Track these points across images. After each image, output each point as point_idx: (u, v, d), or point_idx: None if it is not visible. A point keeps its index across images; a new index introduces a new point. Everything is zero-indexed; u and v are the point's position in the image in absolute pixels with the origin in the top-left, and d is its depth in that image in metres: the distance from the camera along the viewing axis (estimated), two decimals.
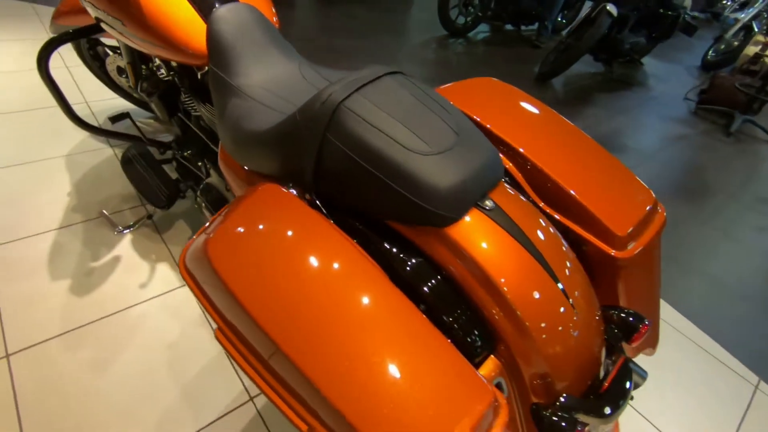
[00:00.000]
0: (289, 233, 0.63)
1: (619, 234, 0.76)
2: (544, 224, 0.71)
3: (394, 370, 0.52)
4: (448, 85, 0.99)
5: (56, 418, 1.02)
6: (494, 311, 0.64)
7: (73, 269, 1.34)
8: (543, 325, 0.64)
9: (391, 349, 0.54)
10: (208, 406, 1.10)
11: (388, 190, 0.65)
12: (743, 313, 1.68)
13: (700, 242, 2.02)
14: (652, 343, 1.00)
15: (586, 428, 0.70)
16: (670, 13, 3.51)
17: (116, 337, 1.20)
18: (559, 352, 0.65)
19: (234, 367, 1.18)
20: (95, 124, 1.73)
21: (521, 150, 0.84)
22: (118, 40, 1.24)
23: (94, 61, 1.76)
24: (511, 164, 0.86)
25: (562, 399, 0.67)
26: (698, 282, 1.79)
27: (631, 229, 0.78)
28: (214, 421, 1.08)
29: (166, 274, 1.38)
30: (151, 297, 1.31)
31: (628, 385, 0.71)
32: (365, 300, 0.57)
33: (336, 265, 0.60)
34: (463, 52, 3.64)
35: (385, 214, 0.69)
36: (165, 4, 0.99)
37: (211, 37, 0.99)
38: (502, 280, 0.63)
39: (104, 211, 1.38)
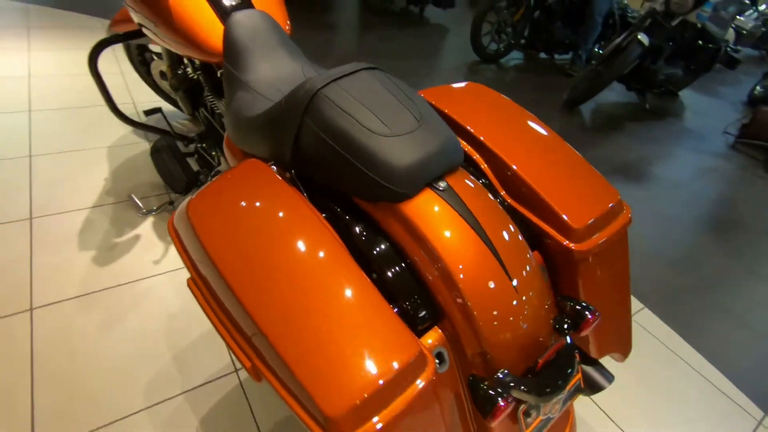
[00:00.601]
0: (259, 200, 0.71)
1: (575, 226, 0.79)
2: (496, 211, 0.75)
3: (331, 321, 0.58)
4: (435, 87, 1.06)
5: (63, 367, 1.14)
6: (439, 285, 0.69)
7: (98, 242, 1.50)
8: (483, 303, 0.67)
9: (331, 303, 0.60)
10: (196, 372, 1.19)
11: (351, 167, 0.72)
12: (762, 351, 1.59)
13: (723, 276, 1.94)
14: (622, 349, 0.99)
15: (522, 407, 0.72)
16: (710, 46, 3.45)
17: (125, 303, 1.32)
18: (498, 330, 0.68)
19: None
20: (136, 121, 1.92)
21: (492, 147, 0.89)
22: (159, 45, 1.42)
23: (142, 66, 1.98)
24: (482, 159, 0.91)
25: (500, 374, 0.70)
26: (717, 317, 1.72)
27: (588, 222, 0.80)
28: (200, 385, 1.16)
29: (177, 255, 1.50)
30: (160, 273, 1.43)
31: (569, 370, 0.72)
32: (316, 260, 0.64)
33: (295, 231, 0.67)
34: (493, 77, 3.72)
35: (350, 190, 0.76)
36: (190, 9, 1.14)
37: (228, 38, 1.12)
38: (448, 256, 0.67)
39: (132, 195, 1.53)
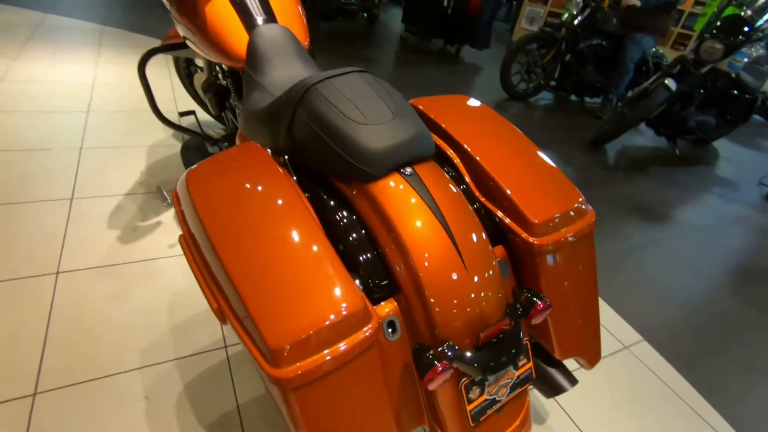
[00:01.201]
0: (248, 173, 0.82)
1: (532, 220, 0.84)
2: (457, 199, 0.82)
3: (288, 270, 0.67)
4: (427, 96, 1.16)
5: (74, 323, 1.27)
6: (396, 259, 0.76)
7: (124, 224, 1.66)
8: (434, 280, 0.73)
9: (291, 256, 0.69)
10: (189, 343, 1.28)
11: (330, 150, 0.82)
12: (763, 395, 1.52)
13: (735, 326, 1.87)
14: (588, 355, 1.00)
15: (464, 380, 0.76)
16: (746, 96, 3.40)
17: (137, 277, 1.46)
18: (446, 306, 0.73)
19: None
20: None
21: (468, 149, 0.96)
22: (198, 56, 1.62)
23: (187, 78, 2.22)
24: (459, 160, 0.98)
25: (444, 346, 0.75)
26: (730, 368, 1.66)
27: (548, 218, 0.85)
28: (190, 355, 1.25)
29: None
30: (173, 255, 1.57)
31: (513, 350, 0.75)
32: (286, 224, 0.72)
33: (274, 200, 0.76)
34: (519, 114, 3.80)
35: (329, 172, 0.86)
36: (222, 20, 1.32)
37: (251, 46, 1.29)
38: (405, 233, 0.75)
39: (160, 187, 1.70)
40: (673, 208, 2.76)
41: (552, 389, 0.99)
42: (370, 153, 0.78)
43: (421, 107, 1.07)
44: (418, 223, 0.76)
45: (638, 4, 3.50)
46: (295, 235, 0.71)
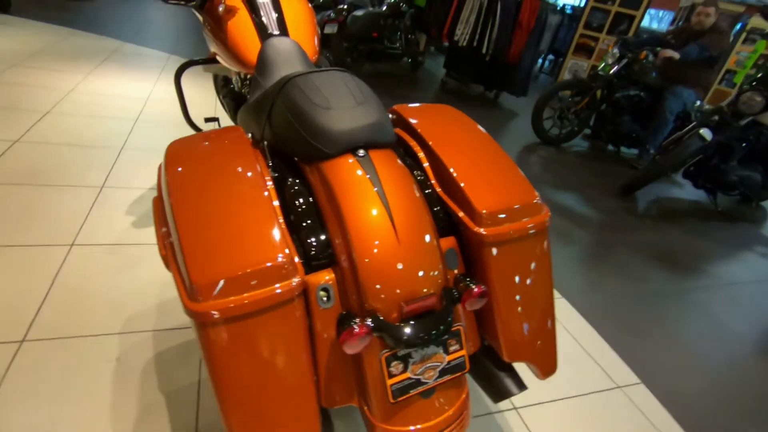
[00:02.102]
0: (221, 149, 0.91)
1: (479, 210, 0.85)
2: (405, 185, 0.84)
3: (228, 223, 0.73)
4: (409, 105, 1.23)
5: (73, 290, 1.39)
6: (336, 232, 0.80)
7: (142, 212, 1.82)
8: (366, 252, 0.75)
9: (234, 213, 0.75)
10: (169, 319, 1.36)
11: (296, 132, 0.89)
12: None
13: (760, 394, 1.70)
14: (541, 363, 0.96)
15: (385, 351, 0.76)
16: None
17: (143, 258, 1.58)
18: (375, 278, 0.74)
19: None
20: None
21: (433, 146, 0.99)
22: (224, 68, 1.81)
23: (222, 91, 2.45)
24: (423, 155, 1.03)
25: (369, 315, 0.75)
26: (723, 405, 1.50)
27: (496, 210, 0.86)
28: (167, 329, 1.32)
29: None
30: None
31: (440, 327, 0.74)
32: (240, 191, 0.78)
33: (235, 172, 0.82)
34: (549, 158, 3.78)
35: (295, 152, 0.93)
36: (240, 33, 1.48)
37: (261, 54, 1.43)
38: (346, 208, 0.79)
39: None
40: (704, 260, 2.59)
41: (498, 393, 0.95)
42: (327, 133, 0.85)
43: (400, 112, 1.13)
44: (360, 201, 0.79)
45: (676, 56, 3.47)
46: (244, 199, 0.77)
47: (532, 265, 0.91)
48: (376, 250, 0.75)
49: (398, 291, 0.75)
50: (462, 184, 0.91)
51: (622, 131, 3.95)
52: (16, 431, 0.99)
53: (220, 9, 1.53)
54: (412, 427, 0.79)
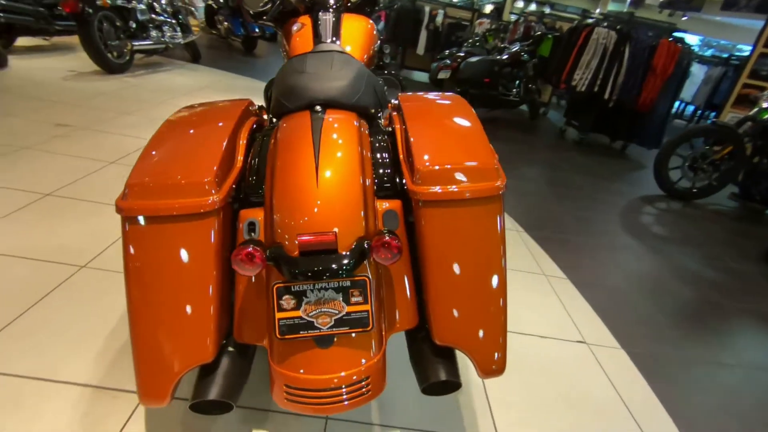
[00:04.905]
0: (214, 105, 1.04)
1: (418, 166, 0.81)
2: (347, 141, 0.84)
3: (179, 153, 0.82)
4: (423, 93, 1.22)
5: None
6: (269, 174, 0.84)
7: None
8: (286, 190, 0.77)
9: (187, 146, 0.85)
10: None
11: (275, 92, 1.01)
12: None
13: None
14: (481, 358, 0.83)
15: (276, 282, 0.74)
16: None
17: None
18: (286, 214, 0.76)
19: None
20: None
21: (405, 117, 0.97)
22: None
23: None
24: (398, 128, 1.01)
25: (271, 246, 0.75)
26: None
27: (436, 168, 0.80)
28: None
29: None
30: None
31: (329, 267, 0.71)
32: (203, 136, 0.91)
33: (216, 115, 0.97)
34: (674, 212, 3.21)
35: (274, 112, 1.01)
36: (302, 41, 1.68)
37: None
38: (280, 149, 0.83)
39: None
40: None
41: (423, 375, 0.84)
42: (290, 89, 0.95)
43: (401, 98, 1.14)
44: (294, 144, 0.83)
45: None
46: (208, 133, 0.88)
47: (476, 237, 0.81)
48: (292, 190, 0.77)
49: (299, 223, 0.74)
50: (413, 147, 0.87)
51: None
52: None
53: (294, 27, 1.79)
54: (301, 373, 0.75)
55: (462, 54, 4.67)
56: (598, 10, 9.98)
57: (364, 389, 0.78)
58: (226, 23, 6.53)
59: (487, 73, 4.64)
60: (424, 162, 0.82)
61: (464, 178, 0.80)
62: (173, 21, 4.77)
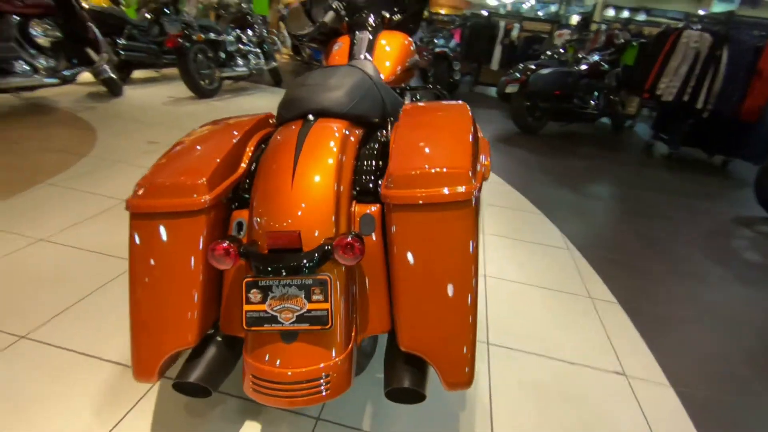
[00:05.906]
0: (238, 123, 1.16)
1: (390, 170, 0.83)
2: (328, 147, 0.89)
3: (185, 151, 0.96)
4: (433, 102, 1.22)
5: None
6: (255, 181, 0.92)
7: None
8: (264, 193, 0.84)
9: (193, 144, 0.98)
10: None
11: (279, 104, 1.08)
12: None
13: None
14: (446, 368, 0.81)
15: (247, 276, 0.79)
16: None
17: None
18: (262, 214, 0.82)
19: None
20: None
21: (398, 126, 1.01)
22: None
23: None
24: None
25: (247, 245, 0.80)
26: None
27: (408, 172, 0.81)
28: None
29: None
30: None
31: (290, 264, 0.75)
32: (215, 136, 1.04)
33: (229, 126, 1.09)
34: None
35: (277, 123, 1.10)
36: (338, 58, 1.77)
37: None
38: (265, 155, 0.92)
39: None
40: None
41: (387, 379, 0.83)
42: (287, 100, 1.04)
43: (403, 108, 1.15)
44: (278, 148, 0.90)
45: None
46: (214, 138, 1.00)
47: (445, 243, 0.79)
48: (269, 192, 0.83)
49: (270, 223, 0.79)
50: (391, 152, 0.89)
51: None
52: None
53: (335, 46, 1.89)
54: (265, 364, 0.79)
55: (533, 67, 4.51)
56: (701, 11, 8.98)
57: (322, 387, 0.79)
58: (308, 50, 7.05)
59: (558, 86, 4.41)
60: (397, 166, 0.83)
61: (437, 183, 0.80)
62: (258, 50, 5.27)
